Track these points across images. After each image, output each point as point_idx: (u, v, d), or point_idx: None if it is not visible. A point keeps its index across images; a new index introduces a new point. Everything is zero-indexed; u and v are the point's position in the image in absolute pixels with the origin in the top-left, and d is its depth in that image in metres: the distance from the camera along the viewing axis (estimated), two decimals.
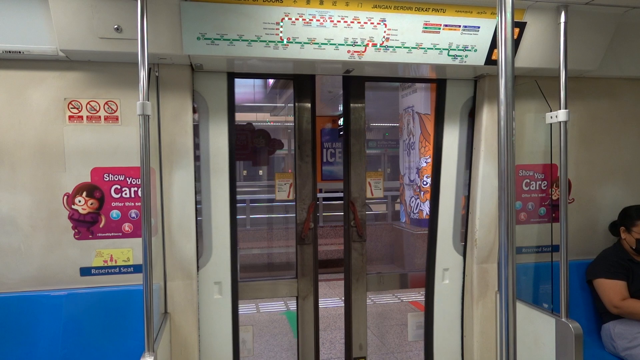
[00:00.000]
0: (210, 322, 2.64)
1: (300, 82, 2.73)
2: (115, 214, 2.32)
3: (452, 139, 2.82)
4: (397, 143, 10.17)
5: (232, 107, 2.60)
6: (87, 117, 2.25)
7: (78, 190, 2.27)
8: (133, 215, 2.34)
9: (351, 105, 2.82)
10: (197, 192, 2.51)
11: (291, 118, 2.81)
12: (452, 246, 2.90)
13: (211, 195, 2.60)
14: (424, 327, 2.99)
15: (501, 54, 1.18)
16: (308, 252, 2.84)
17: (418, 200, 7.28)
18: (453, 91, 2.80)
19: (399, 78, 2.81)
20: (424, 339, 3.00)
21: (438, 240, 2.87)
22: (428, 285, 2.93)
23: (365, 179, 2.89)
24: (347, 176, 2.88)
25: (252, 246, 7.25)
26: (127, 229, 2.34)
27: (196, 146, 2.56)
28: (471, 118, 2.87)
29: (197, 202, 2.48)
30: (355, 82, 2.79)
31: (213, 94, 2.57)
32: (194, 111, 2.59)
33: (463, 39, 2.28)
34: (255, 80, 7.54)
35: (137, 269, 2.36)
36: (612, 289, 2.61)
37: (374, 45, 2.22)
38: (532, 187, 2.80)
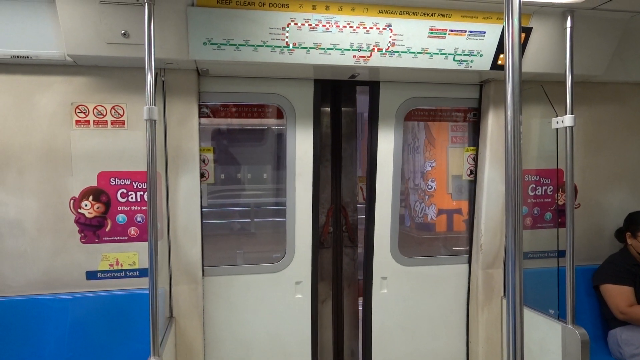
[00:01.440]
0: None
1: (320, 86, 2.67)
2: (121, 218, 2.33)
3: (387, 144, 2.73)
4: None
5: (317, 113, 2.61)
6: (93, 121, 2.26)
7: (84, 194, 2.28)
8: (139, 219, 2.35)
9: (342, 109, 2.80)
10: (202, 195, 2.51)
11: None
12: (390, 254, 2.80)
13: (295, 198, 2.61)
14: (362, 338, 2.88)
15: (508, 59, 1.18)
16: (327, 256, 2.83)
17: (423, 204, 7.25)
18: (387, 94, 2.70)
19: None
20: (362, 350, 2.88)
21: (375, 249, 2.77)
22: (366, 294, 2.81)
23: (357, 184, 2.87)
24: (339, 181, 2.85)
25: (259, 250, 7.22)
26: (133, 233, 2.35)
27: (281, 150, 2.58)
28: (475, 123, 2.86)
29: (202, 206, 2.48)
30: (346, 86, 2.77)
31: (300, 100, 2.58)
32: (280, 116, 2.62)
33: (469, 44, 2.28)
34: None
35: (142, 272, 2.36)
36: (618, 295, 2.59)
37: (380, 50, 2.22)
38: (538, 192, 2.78)
